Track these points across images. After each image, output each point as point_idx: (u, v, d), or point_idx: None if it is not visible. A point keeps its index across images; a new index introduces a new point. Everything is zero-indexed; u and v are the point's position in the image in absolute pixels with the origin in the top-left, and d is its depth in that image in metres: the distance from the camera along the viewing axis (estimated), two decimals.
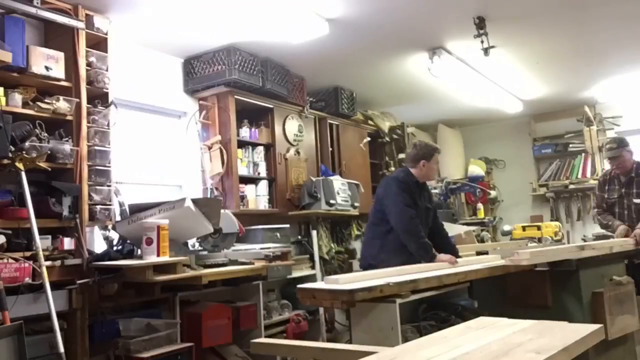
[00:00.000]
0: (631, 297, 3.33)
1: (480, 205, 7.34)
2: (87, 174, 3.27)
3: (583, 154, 7.18)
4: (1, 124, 2.79)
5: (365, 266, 3.46)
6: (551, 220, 6.80)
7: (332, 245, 5.57)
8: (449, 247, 3.58)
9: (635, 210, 4.24)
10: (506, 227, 6.16)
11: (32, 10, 3.07)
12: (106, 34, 3.52)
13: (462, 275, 2.84)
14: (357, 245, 6.11)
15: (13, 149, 2.87)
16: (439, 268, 3.04)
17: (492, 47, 4.33)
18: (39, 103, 3.12)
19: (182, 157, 4.50)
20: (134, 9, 3.56)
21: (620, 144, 4.23)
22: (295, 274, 4.76)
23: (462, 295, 3.12)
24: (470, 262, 3.31)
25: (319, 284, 3.14)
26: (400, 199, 3.31)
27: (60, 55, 3.22)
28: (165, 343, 3.22)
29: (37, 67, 3.09)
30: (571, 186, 7.15)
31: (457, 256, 3.46)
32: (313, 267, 5.03)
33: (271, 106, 4.88)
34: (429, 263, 3.16)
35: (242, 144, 4.64)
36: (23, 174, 2.82)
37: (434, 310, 2.76)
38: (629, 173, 4.25)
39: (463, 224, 6.17)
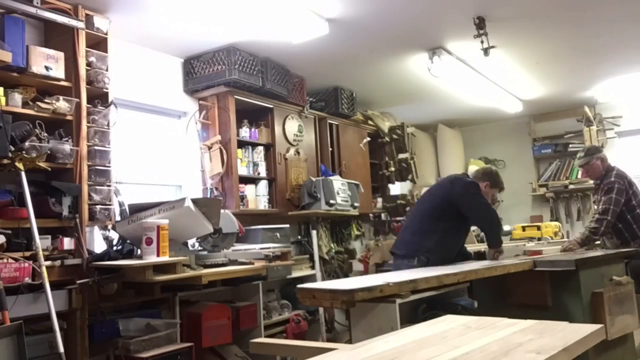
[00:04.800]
0: (631, 297, 3.33)
1: None
2: (87, 174, 3.27)
3: None
4: (1, 124, 2.78)
5: (416, 256, 3.37)
6: (551, 221, 6.80)
7: (332, 245, 5.57)
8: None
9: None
10: (506, 227, 6.14)
11: (32, 10, 3.07)
12: (106, 33, 3.52)
13: (462, 275, 2.83)
14: (356, 245, 6.12)
15: (13, 148, 2.87)
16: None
17: (492, 47, 4.33)
18: (38, 103, 3.12)
19: (182, 157, 4.50)
20: (134, 9, 3.56)
21: (588, 152, 4.32)
22: (295, 274, 4.77)
23: (462, 295, 3.12)
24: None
25: (319, 284, 3.13)
26: (484, 198, 3.55)
27: (60, 55, 3.22)
28: (165, 343, 3.22)
29: (37, 67, 3.09)
30: (571, 186, 7.14)
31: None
32: (313, 267, 5.02)
33: (271, 106, 4.87)
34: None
35: (242, 144, 4.64)
36: (23, 174, 2.82)
37: (433, 310, 2.76)
38: (597, 180, 4.30)
39: None
